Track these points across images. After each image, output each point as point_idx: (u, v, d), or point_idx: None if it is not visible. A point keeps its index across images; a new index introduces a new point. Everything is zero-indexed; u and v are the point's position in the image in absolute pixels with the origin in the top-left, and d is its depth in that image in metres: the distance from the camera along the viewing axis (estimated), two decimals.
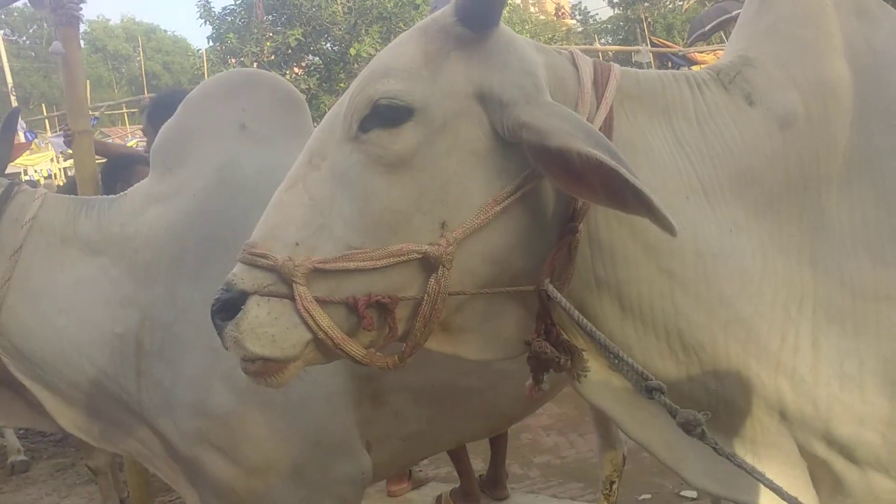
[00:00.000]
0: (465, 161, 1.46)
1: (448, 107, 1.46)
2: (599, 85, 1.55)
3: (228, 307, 1.45)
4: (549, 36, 28.61)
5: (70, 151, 4.34)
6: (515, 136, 1.42)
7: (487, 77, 1.47)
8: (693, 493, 4.43)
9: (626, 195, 1.31)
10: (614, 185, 1.31)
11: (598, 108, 1.52)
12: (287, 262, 1.42)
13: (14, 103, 29.10)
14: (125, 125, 27.97)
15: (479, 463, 5.30)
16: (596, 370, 1.61)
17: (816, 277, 1.59)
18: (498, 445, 4.91)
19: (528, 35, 23.61)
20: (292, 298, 1.42)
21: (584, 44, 29.62)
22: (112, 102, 21.36)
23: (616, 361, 1.55)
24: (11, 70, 30.79)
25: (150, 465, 2.73)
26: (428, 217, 1.45)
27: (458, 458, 4.75)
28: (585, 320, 1.54)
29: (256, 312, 1.43)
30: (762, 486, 1.50)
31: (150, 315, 2.50)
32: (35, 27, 41.89)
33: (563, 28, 37.99)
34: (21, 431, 7.04)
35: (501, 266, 1.52)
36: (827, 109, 1.59)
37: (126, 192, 2.75)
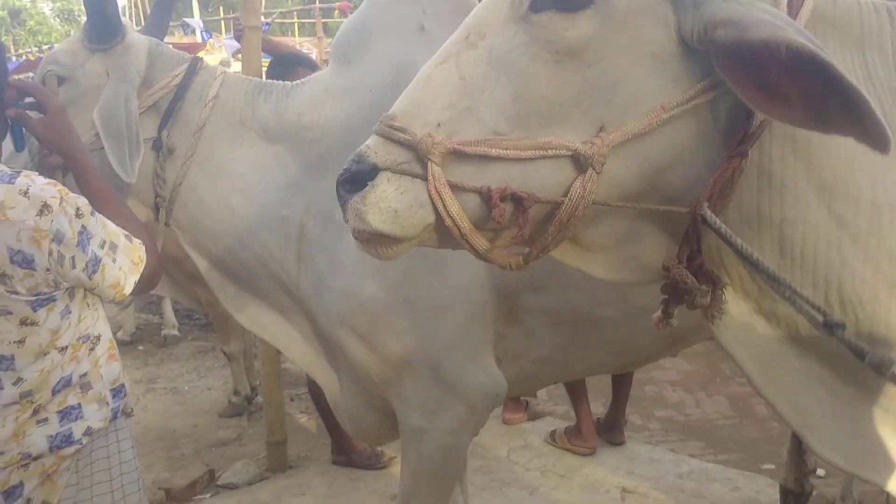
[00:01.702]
0: (641, 63, 1.33)
1: (633, 0, 1.33)
2: (795, 2, 1.39)
3: (357, 179, 1.38)
4: None
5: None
6: (706, 38, 1.28)
7: None
8: (821, 472, 4.20)
9: (829, 106, 1.17)
10: (817, 94, 1.17)
11: None
12: (426, 138, 1.34)
13: (195, 2, 30.45)
14: (295, 36, 28.69)
15: (598, 407, 5.24)
16: (737, 313, 1.49)
17: None
18: (620, 390, 4.82)
19: None
20: (425, 179, 1.35)
21: None
22: (284, 10, 21.84)
23: (788, 293, 1.40)
24: None
25: (292, 353, 2.83)
26: (586, 116, 1.34)
27: (578, 396, 4.70)
28: (748, 247, 1.40)
29: (385, 187, 1.35)
30: None
31: (316, 202, 2.55)
32: None
33: None
34: (175, 309, 7.54)
35: (654, 183, 1.40)
36: None
37: (305, 80, 2.79)
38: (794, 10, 1.38)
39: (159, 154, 2.59)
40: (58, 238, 1.82)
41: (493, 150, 1.34)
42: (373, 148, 1.39)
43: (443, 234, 1.39)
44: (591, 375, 4.12)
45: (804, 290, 1.43)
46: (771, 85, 1.22)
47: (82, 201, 1.91)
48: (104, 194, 2.08)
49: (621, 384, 4.79)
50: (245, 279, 2.71)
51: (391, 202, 1.35)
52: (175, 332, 7.35)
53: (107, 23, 2.53)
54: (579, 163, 1.33)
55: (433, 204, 1.35)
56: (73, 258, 1.85)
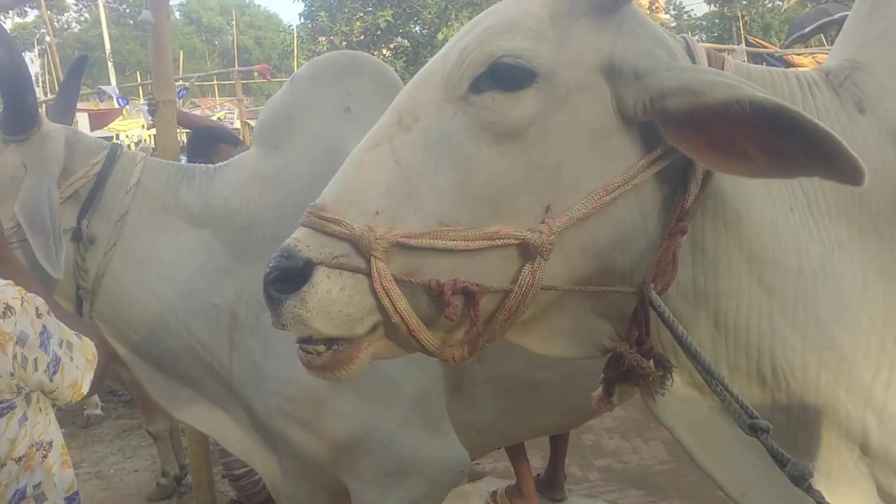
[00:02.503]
0: (582, 140, 1.33)
1: (573, 77, 1.32)
2: (714, 65, 1.44)
3: (288, 277, 1.29)
4: None
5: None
6: (654, 109, 1.28)
7: (619, 47, 1.33)
8: None
9: (790, 152, 1.17)
10: (777, 143, 1.17)
11: None
12: (367, 232, 1.27)
13: (111, 69, 30.12)
14: (215, 97, 28.54)
15: (537, 461, 5.21)
16: (676, 387, 1.49)
17: None
18: (558, 445, 4.81)
19: None
20: (368, 275, 1.28)
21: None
22: (203, 74, 21.75)
23: (719, 390, 1.40)
24: (110, 37, 31.83)
25: (227, 442, 2.74)
26: (534, 198, 1.31)
27: (517, 455, 4.67)
28: (690, 338, 1.40)
29: (328, 287, 1.27)
30: None
31: (247, 289, 2.50)
32: None
33: (658, 22, 37.15)
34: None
35: (600, 262, 1.39)
36: None
37: (228, 163, 2.76)
38: None
39: (79, 245, 2.51)
40: (21, 340, 1.75)
41: (440, 243, 1.29)
42: (303, 241, 1.31)
43: (391, 333, 1.34)
44: (535, 437, 4.12)
45: (739, 360, 1.45)
46: (725, 144, 1.22)
47: (39, 300, 1.85)
48: (41, 297, 1.98)
49: (559, 437, 4.78)
50: (174, 368, 2.63)
51: (340, 305, 1.28)
52: (98, 411, 7.07)
53: (23, 113, 2.46)
54: (528, 251, 1.31)
55: (379, 303, 1.28)
56: (35, 360, 1.78)
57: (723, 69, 1.43)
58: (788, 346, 1.43)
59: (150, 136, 20.34)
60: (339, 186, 1.36)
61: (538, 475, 4.93)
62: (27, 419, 1.87)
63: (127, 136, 20.09)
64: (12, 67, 2.38)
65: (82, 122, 15.90)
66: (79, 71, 3.18)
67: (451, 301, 1.28)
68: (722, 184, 1.39)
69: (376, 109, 1.49)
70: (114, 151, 2.62)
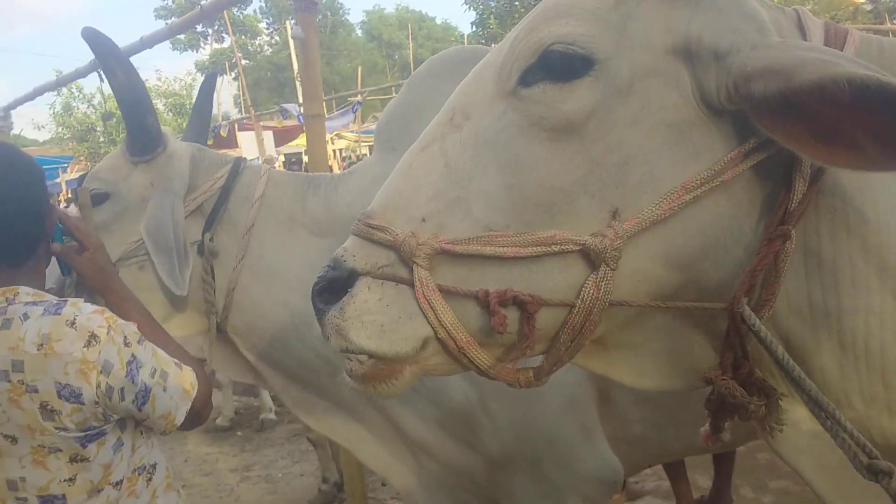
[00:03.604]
0: (654, 134, 1.15)
1: (639, 62, 1.16)
2: (832, 48, 1.19)
3: (334, 288, 1.23)
4: (833, 14, 26.11)
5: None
6: (739, 95, 1.10)
7: (696, 24, 1.15)
8: None
9: None
10: (891, 128, 0.97)
11: None
12: (409, 238, 1.18)
13: (299, 88, 31.73)
14: None
15: (705, 480, 4.87)
16: (795, 419, 1.26)
17: None
18: (724, 464, 4.47)
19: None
20: (411, 285, 1.18)
21: (875, 22, 26.82)
22: (377, 87, 22.48)
23: (829, 423, 1.18)
24: (297, 57, 33.59)
25: (364, 455, 2.71)
26: (596, 201, 1.16)
27: (676, 474, 4.37)
28: (791, 361, 1.19)
29: (366, 297, 1.20)
30: None
31: None
32: (321, 16, 45.17)
33: (851, 7, 34.60)
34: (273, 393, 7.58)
35: (685, 274, 1.20)
36: None
37: (352, 169, 2.75)
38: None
39: (204, 258, 2.55)
40: (105, 369, 1.77)
41: (488, 249, 1.16)
42: (350, 251, 1.25)
43: (444, 350, 1.21)
44: (693, 455, 3.85)
45: (875, 390, 1.21)
46: (829, 131, 1.02)
47: (130, 329, 1.87)
48: (145, 326, 2.01)
49: (724, 456, 4.45)
50: (308, 379, 2.61)
51: (375, 314, 1.19)
52: (272, 415, 7.38)
53: (147, 134, 2.54)
54: (590, 259, 1.15)
55: (423, 313, 1.18)
56: (121, 389, 1.80)
57: (844, 45, 1.20)
58: None
59: (333, 150, 21.29)
60: (388, 192, 1.28)
61: (702, 497, 4.60)
62: (123, 444, 1.89)
63: None
64: (131, 91, 2.45)
65: (267, 139, 16.83)
66: (209, 90, 3.27)
67: (496, 310, 1.15)
68: (840, 179, 1.16)
69: None
70: (237, 165, 2.65)
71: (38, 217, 1.93)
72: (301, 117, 17.02)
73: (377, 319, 1.19)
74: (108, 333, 1.79)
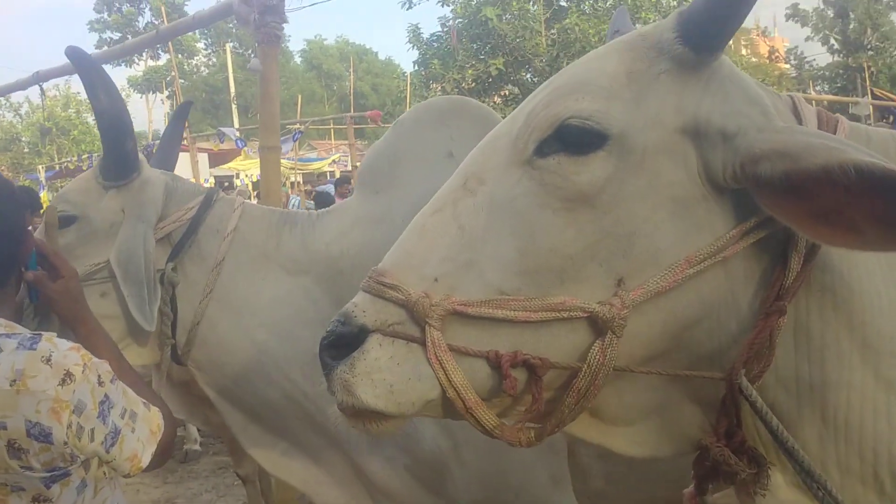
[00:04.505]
0: (661, 208, 1.21)
1: (651, 139, 1.22)
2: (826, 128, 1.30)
3: (342, 343, 1.24)
4: (761, 79, 27.19)
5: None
6: (745, 175, 1.17)
7: (705, 106, 1.22)
8: None
9: None
10: (891, 213, 1.04)
11: None
12: (422, 298, 1.21)
13: (235, 111, 31.46)
14: (331, 139, 29.37)
15: None
16: (774, 486, 1.32)
17: None
18: None
19: None
20: (423, 344, 1.20)
21: (798, 90, 28.13)
22: (317, 118, 22.45)
23: (820, 494, 1.25)
24: (235, 80, 33.29)
25: (319, 497, 2.64)
26: (603, 269, 1.21)
27: None
28: (786, 432, 1.25)
29: (377, 354, 1.21)
30: None
31: None
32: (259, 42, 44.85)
33: (776, 72, 36.21)
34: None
35: (682, 343, 1.26)
36: None
37: (330, 209, 2.74)
38: None
39: (163, 289, 2.48)
40: (78, 409, 1.71)
41: (500, 312, 1.20)
42: (361, 307, 1.26)
43: (447, 406, 1.24)
44: None
45: (851, 461, 1.28)
46: (829, 212, 1.09)
47: (104, 367, 1.81)
48: (114, 362, 1.94)
49: None
50: (270, 420, 2.57)
51: (385, 373, 1.21)
52: (197, 446, 7.20)
53: (125, 160, 2.49)
54: (597, 325, 1.20)
55: (434, 373, 1.20)
56: (92, 430, 1.74)
57: (835, 132, 1.30)
58: None
59: None
60: (400, 251, 1.31)
61: None
62: (87, 485, 1.83)
63: (246, 176, 20.88)
64: (113, 114, 2.42)
65: (202, 161, 16.62)
66: (181, 118, 3.24)
67: (509, 374, 1.19)
68: (831, 258, 1.24)
69: None
70: (209, 197, 2.62)
71: (13, 242, 1.89)
72: (239, 142, 16.92)
73: (387, 378, 1.21)
74: (83, 372, 1.74)
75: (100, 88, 2.40)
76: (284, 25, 4.10)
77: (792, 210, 1.13)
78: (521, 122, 1.30)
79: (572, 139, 1.23)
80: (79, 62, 2.43)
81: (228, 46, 36.66)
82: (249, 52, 50.53)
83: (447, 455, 2.32)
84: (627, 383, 1.29)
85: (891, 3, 34.26)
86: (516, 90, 21.23)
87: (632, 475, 2.44)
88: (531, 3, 20.91)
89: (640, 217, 1.22)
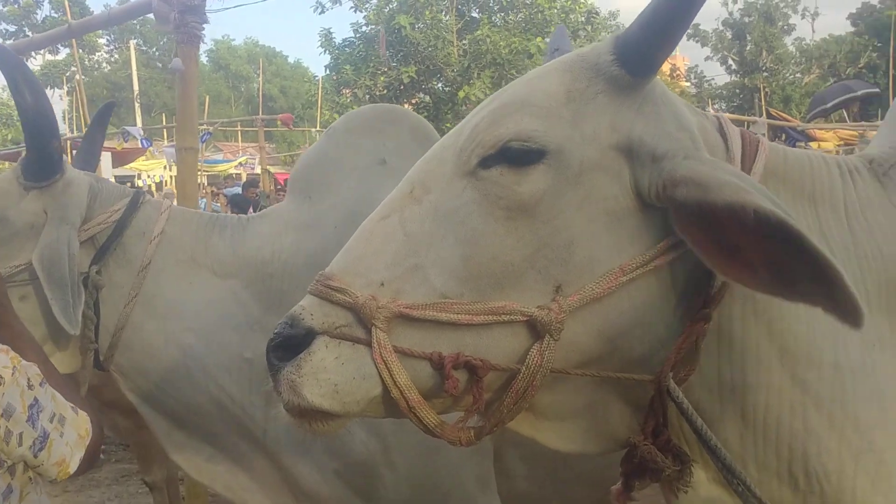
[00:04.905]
0: (596, 220, 1.28)
1: (587, 155, 1.28)
2: (748, 158, 1.38)
3: (290, 345, 1.27)
4: None
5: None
6: (665, 196, 1.24)
7: (638, 127, 1.29)
8: None
9: (796, 274, 1.12)
10: (783, 259, 1.12)
11: None
12: (369, 301, 1.25)
13: (138, 110, 30.59)
14: (238, 142, 28.89)
15: None
16: (695, 482, 1.40)
17: None
18: None
19: None
20: (368, 345, 1.24)
21: (698, 107, 29.15)
22: (227, 120, 22.06)
23: (741, 490, 1.34)
24: (139, 78, 32.42)
25: (245, 502, 2.59)
26: (542, 276, 1.27)
27: None
28: (709, 431, 1.34)
29: (323, 355, 1.25)
30: None
31: None
32: (165, 40, 43.84)
33: (677, 90, 37.52)
34: None
35: (615, 347, 1.33)
36: None
37: (261, 213, 2.73)
38: (747, 166, 1.37)
39: (87, 292, 2.41)
40: (7, 413, 1.65)
41: (444, 315, 1.25)
42: (308, 309, 1.29)
43: (389, 406, 1.28)
44: None
45: (769, 459, 1.37)
46: (733, 248, 1.17)
47: (33, 370, 1.75)
48: (41, 365, 1.87)
49: None
50: (196, 425, 2.52)
51: (331, 374, 1.25)
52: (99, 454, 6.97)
53: (49, 160, 2.41)
54: (536, 329, 1.26)
55: (379, 374, 1.24)
56: (20, 434, 1.68)
57: (757, 154, 1.38)
58: (823, 447, 1.35)
59: (171, 177, 20.61)
60: (348, 256, 1.35)
61: None
62: (12, 491, 1.78)
63: (149, 176, 20.34)
64: (38, 113, 2.35)
65: (105, 160, 16.08)
66: (105, 118, 3.16)
67: (451, 374, 1.24)
68: None
69: (413, 162, 1.46)
70: (136, 199, 2.56)
71: None
72: (145, 141, 16.47)
73: (332, 378, 1.25)
74: (12, 374, 1.68)
75: (24, 86, 2.33)
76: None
77: (699, 237, 1.21)
78: (466, 135, 1.35)
79: (513, 154, 1.28)
80: (2, 60, 2.34)
81: (133, 43, 35.64)
82: (154, 49, 49.33)
83: (377, 459, 2.33)
84: (562, 384, 1.35)
85: (785, 27, 36.01)
86: (428, 98, 21.39)
87: (555, 477, 2.52)
88: (444, 13, 21.10)
89: (577, 227, 1.28)
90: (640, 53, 1.28)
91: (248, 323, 2.47)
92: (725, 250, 1.18)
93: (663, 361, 1.33)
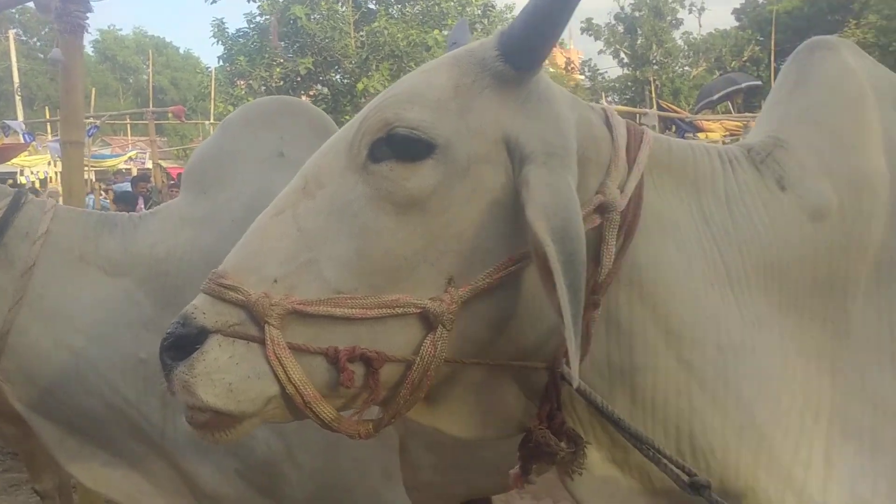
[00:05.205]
0: (486, 211, 1.30)
1: (474, 148, 1.30)
2: (633, 148, 1.42)
3: (183, 344, 1.25)
4: None
5: None
6: (520, 194, 1.27)
7: (517, 124, 1.31)
8: None
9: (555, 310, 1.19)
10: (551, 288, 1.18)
11: (629, 173, 1.39)
12: (262, 298, 1.24)
13: (19, 103, 29.19)
14: (127, 135, 27.96)
15: None
16: (590, 464, 1.45)
17: (835, 386, 1.46)
18: None
19: None
20: (262, 343, 1.24)
21: (592, 100, 29.86)
22: (115, 113, 21.28)
23: (651, 454, 1.38)
24: (20, 70, 30.92)
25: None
26: (434, 269, 1.29)
27: None
28: (610, 406, 1.37)
29: (216, 354, 1.24)
30: None
31: None
32: (47, 29, 41.93)
33: (572, 83, 38.36)
34: None
35: (508, 335, 1.35)
36: (862, 205, 1.48)
37: (154, 210, 2.65)
38: (631, 156, 1.40)
39: None
40: None
41: (338, 310, 1.26)
42: (200, 308, 1.28)
43: (287, 403, 1.28)
44: (474, 498, 4.04)
45: (657, 438, 1.41)
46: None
47: None
48: None
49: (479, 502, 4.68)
50: (89, 430, 2.42)
51: (224, 373, 1.24)
52: None
53: None
54: (429, 321, 1.27)
55: (273, 371, 1.24)
56: None
57: (642, 144, 1.42)
58: (708, 424, 1.40)
59: (55, 173, 19.78)
60: (241, 253, 1.34)
61: None
62: None
63: (32, 172, 19.44)
64: None
65: None
66: None
67: (345, 367, 1.25)
68: (638, 256, 1.37)
69: (311, 154, 1.45)
70: (17, 199, 2.43)
71: None
72: (27, 135, 15.74)
73: (226, 378, 1.24)
74: None
75: None
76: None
77: (534, 244, 1.23)
78: (356, 127, 1.35)
79: (402, 146, 1.29)
80: None
81: (11, 33, 33.82)
82: (35, 40, 47.11)
83: (280, 457, 2.30)
84: (458, 372, 1.37)
85: (673, 21, 37.22)
86: (325, 90, 21.17)
87: (459, 465, 2.54)
88: (340, 3, 20.91)
89: (467, 220, 1.30)
90: (523, 49, 1.31)
91: (142, 322, 2.39)
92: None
93: (556, 348, 1.36)
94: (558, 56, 44.16)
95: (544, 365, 1.37)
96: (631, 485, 1.46)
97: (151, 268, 2.43)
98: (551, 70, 39.63)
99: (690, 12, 38.47)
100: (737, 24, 37.90)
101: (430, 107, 1.30)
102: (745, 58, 34.46)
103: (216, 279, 1.29)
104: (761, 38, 32.60)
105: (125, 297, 2.41)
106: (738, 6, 38.40)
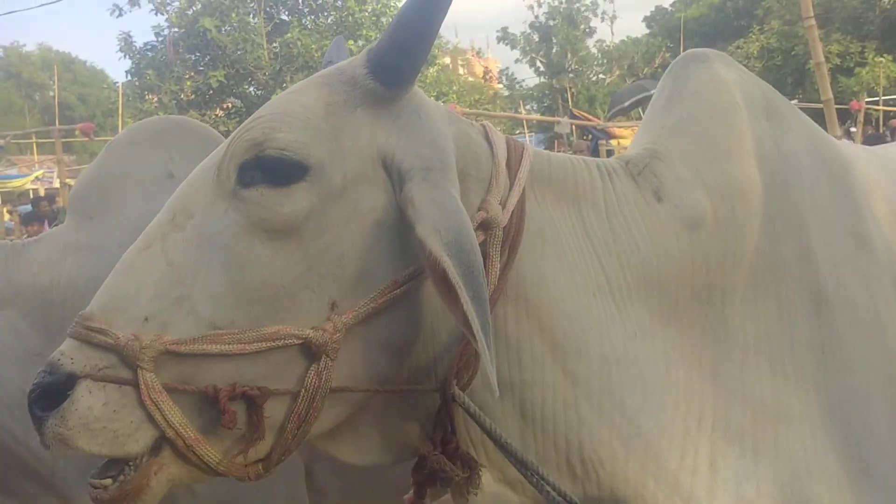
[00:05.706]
0: (366, 233, 1.26)
1: (349, 168, 1.27)
2: (513, 163, 1.41)
3: (51, 394, 1.19)
4: (476, 98, 29.00)
5: None
6: (405, 213, 1.25)
7: (392, 141, 1.29)
8: None
9: (459, 321, 1.17)
10: (460, 309, 1.15)
11: (511, 188, 1.38)
12: (132, 341, 1.18)
13: None
14: (34, 155, 26.99)
15: None
16: (486, 483, 1.44)
17: (717, 391, 1.49)
18: None
19: (455, 97, 24.05)
20: (136, 386, 1.18)
21: (510, 108, 30.21)
22: (20, 132, 20.51)
23: (535, 480, 1.36)
24: None
25: None
26: (316, 295, 1.24)
27: None
28: (498, 430, 1.36)
29: (89, 402, 1.18)
30: None
31: None
32: None
33: (491, 91, 38.68)
34: None
35: (400, 358, 1.33)
36: (735, 213, 1.51)
37: (38, 238, 2.52)
38: (512, 172, 1.40)
39: None
40: None
41: (214, 347, 1.20)
42: (68, 354, 1.21)
43: (173, 450, 1.23)
44: None
45: (548, 452, 1.41)
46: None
47: None
48: None
49: None
50: None
51: (104, 422, 1.17)
52: None
53: None
54: (312, 351, 1.23)
55: (150, 416, 1.18)
56: None
57: (522, 159, 1.42)
58: (595, 436, 1.41)
59: None
60: (108, 292, 1.27)
61: None
62: None
63: None
64: None
65: None
66: None
67: (227, 408, 1.20)
68: (523, 271, 1.37)
69: None
70: None
71: None
72: None
73: (106, 426, 1.18)
74: None
75: None
76: None
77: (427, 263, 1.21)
78: (223, 151, 1.30)
79: (273, 170, 1.24)
80: None
81: None
82: None
83: (177, 488, 2.23)
84: (350, 400, 1.33)
85: (587, 29, 37.90)
86: (239, 103, 20.84)
87: (364, 487, 2.50)
88: (252, 15, 20.64)
89: (347, 242, 1.26)
90: (391, 66, 1.29)
91: (29, 355, 2.27)
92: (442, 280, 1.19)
93: (448, 369, 1.34)
94: (476, 65, 44.54)
95: (435, 388, 1.35)
96: (523, 501, 1.46)
97: (36, 298, 2.32)
98: (470, 79, 39.98)
99: (603, 20, 39.25)
100: (648, 31, 38.83)
101: (301, 127, 1.26)
102: (657, 64, 35.27)
103: (83, 322, 1.23)
104: (671, 45, 33.42)
105: (9, 330, 2.31)
106: (648, 14, 39.42)
